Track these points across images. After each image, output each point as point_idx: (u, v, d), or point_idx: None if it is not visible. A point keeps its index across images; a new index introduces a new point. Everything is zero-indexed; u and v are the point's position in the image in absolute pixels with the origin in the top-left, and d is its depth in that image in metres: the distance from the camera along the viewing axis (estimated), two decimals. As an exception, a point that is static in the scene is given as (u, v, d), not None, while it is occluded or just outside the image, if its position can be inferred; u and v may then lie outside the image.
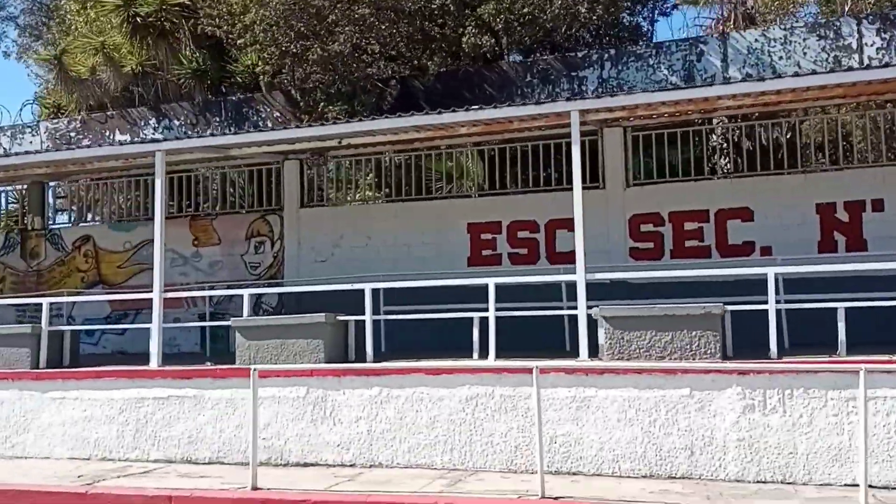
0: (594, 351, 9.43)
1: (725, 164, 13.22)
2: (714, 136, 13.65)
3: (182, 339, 15.60)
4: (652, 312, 8.86)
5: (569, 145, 13.45)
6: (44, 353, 11.46)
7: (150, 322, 14.68)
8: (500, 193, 14.05)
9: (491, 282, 10.07)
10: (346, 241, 14.65)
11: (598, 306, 9.56)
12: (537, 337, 10.95)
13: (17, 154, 12.99)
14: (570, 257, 13.09)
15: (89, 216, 17.58)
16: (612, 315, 8.99)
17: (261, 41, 14.04)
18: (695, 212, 12.55)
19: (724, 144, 13.27)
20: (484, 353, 10.02)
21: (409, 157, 14.85)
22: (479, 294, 11.20)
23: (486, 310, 10.31)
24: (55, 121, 17.97)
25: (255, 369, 8.33)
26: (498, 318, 10.32)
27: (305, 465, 9.71)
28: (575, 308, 10.09)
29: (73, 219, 18.01)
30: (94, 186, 17.31)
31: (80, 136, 17.17)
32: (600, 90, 13.06)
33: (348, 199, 15.49)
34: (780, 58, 12.43)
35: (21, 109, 21.14)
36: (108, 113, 17.24)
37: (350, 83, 13.47)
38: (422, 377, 9.42)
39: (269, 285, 15.08)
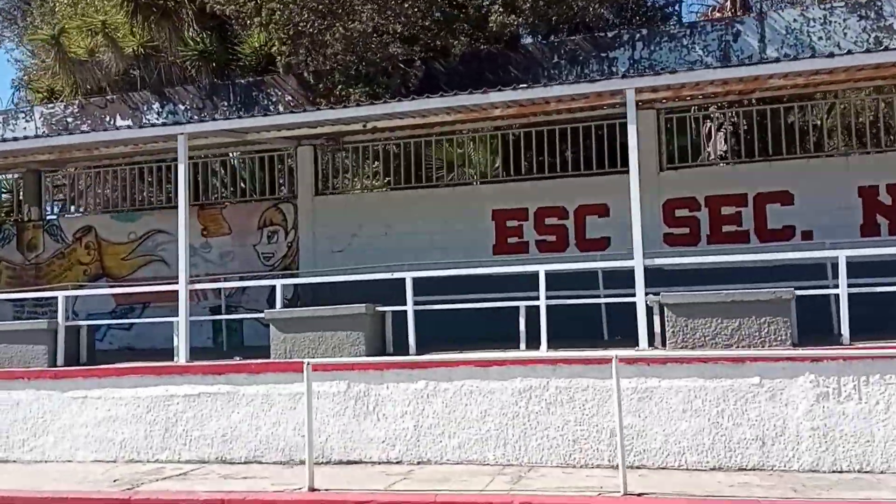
0: (649, 340, 9.31)
1: (750, 148, 13.11)
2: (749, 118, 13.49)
3: (192, 334, 15.24)
4: (718, 298, 8.73)
5: (598, 128, 13.45)
6: (61, 349, 11.19)
7: (159, 316, 14.62)
8: (527, 179, 13.87)
9: (542, 269, 9.92)
10: (365, 229, 14.42)
11: (651, 293, 9.44)
12: (570, 326, 10.82)
13: (25, 138, 12.63)
14: (600, 244, 13.09)
15: (90, 206, 17.19)
16: (676, 302, 8.86)
17: (276, 20, 13.77)
18: (732, 196, 12.42)
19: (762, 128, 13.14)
20: (532, 344, 9.86)
21: (430, 141, 14.68)
22: (508, 283, 11.14)
23: (525, 299, 10.19)
24: (50, 105, 17.59)
25: (308, 363, 8.12)
26: (528, 308, 10.20)
27: (349, 462, 9.54)
28: (622, 296, 10.01)
29: (71, 209, 17.69)
30: (94, 175, 16.92)
31: (79, 122, 16.82)
32: (631, 71, 12.92)
33: (366, 186, 15.24)
34: (820, 38, 12.34)
35: (14, 93, 20.56)
36: (108, 97, 16.92)
37: (372, 64, 13.22)
38: (471, 369, 9.26)
39: (284, 276, 14.79)
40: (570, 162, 13.69)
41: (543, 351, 9.46)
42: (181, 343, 10.88)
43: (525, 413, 9.01)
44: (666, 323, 8.88)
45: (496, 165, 14.82)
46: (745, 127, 13.24)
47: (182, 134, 11.21)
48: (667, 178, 12.79)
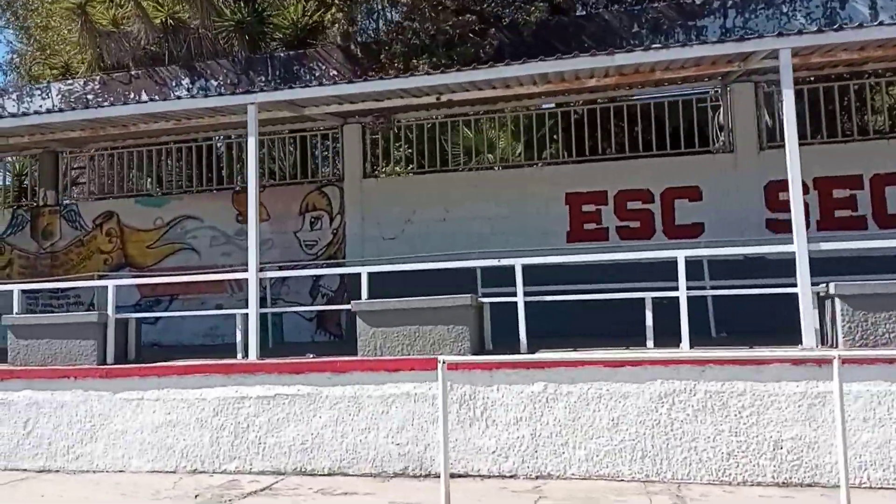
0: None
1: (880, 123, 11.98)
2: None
3: (227, 329, 13.98)
4: (904, 289, 7.55)
5: (686, 103, 12.27)
6: (111, 345, 9.86)
7: (188, 310, 13.29)
8: (605, 159, 12.67)
9: (680, 255, 8.67)
10: (420, 215, 13.18)
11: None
12: (661, 321, 9.69)
13: (74, 109, 11.19)
14: (692, 231, 11.94)
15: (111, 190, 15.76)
16: (853, 293, 7.66)
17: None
18: (845, 177, 11.29)
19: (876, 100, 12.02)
20: (663, 340, 8.66)
21: (492, 119, 13.48)
22: (578, 273, 10.24)
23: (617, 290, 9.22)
24: (69, 82, 16.18)
25: (443, 360, 6.79)
26: (603, 302, 9.24)
27: (453, 476, 8.22)
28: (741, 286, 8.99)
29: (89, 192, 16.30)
30: (117, 156, 15.51)
31: (100, 98, 15.43)
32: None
33: (421, 166, 13.88)
34: (940, 4, 11.23)
35: (30, 68, 19.07)
36: (133, 72, 15.54)
37: (442, 32, 11.92)
38: (598, 370, 8.05)
39: (329, 266, 13.47)
40: (655, 142, 12.47)
41: (686, 349, 8.24)
42: (251, 338, 9.58)
43: (667, 421, 7.82)
44: (840, 318, 7.68)
45: (568, 144, 13.56)
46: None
47: (252, 104, 9.88)
48: (768, 157, 11.59)
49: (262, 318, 13.19)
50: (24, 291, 14.75)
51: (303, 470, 8.80)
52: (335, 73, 14.16)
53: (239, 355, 9.88)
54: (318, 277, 13.56)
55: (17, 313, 10.28)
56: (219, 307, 13.69)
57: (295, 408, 8.90)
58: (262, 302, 13.58)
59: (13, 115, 11.55)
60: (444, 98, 10.92)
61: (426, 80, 9.87)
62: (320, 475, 8.68)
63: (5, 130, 11.80)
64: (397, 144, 14.00)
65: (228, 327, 13.86)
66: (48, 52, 19.74)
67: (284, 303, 13.75)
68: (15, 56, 25.22)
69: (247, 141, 14.74)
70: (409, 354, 8.75)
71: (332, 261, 13.64)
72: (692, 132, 12.25)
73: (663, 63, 9.52)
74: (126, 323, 10.26)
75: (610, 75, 10.06)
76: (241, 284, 14.04)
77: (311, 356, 9.45)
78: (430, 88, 10.24)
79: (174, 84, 15.13)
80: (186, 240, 14.52)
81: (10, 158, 16.77)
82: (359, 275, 11.92)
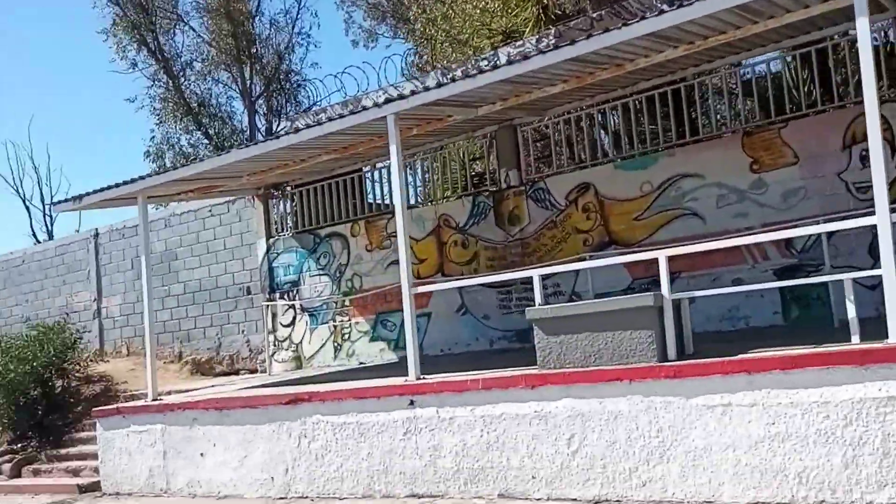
0: None
1: None
2: None
3: (750, 309, 11.41)
4: None
5: None
6: (670, 335, 7.62)
7: (697, 289, 10.78)
8: None
9: None
10: None
11: None
12: None
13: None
14: None
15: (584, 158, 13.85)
16: None
17: None
18: None
19: None
20: None
21: None
22: None
23: None
24: (518, 44, 14.68)
25: None
26: None
27: None
28: None
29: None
30: (584, 117, 13.59)
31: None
32: None
33: None
34: None
35: (471, 35, 18.14)
36: (593, 15, 13.56)
37: None
38: None
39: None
40: None
41: None
42: (891, 314, 6.74)
43: None
44: None
45: None
46: None
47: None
48: None
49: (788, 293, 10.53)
50: (488, 285, 13.46)
51: None
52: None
53: (853, 338, 7.16)
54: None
55: (539, 304, 8.40)
56: (737, 282, 11.19)
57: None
58: (785, 273, 10.98)
59: (500, 65, 9.75)
60: None
61: None
62: None
63: (480, 92, 10.19)
64: None
65: (753, 307, 11.36)
66: (456, 31, 18.84)
67: (834, 269, 10.65)
68: (415, 55, 25.07)
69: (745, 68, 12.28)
70: None
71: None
72: None
73: None
74: (678, 306, 7.95)
75: None
76: (765, 251, 11.45)
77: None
78: None
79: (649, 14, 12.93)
80: (685, 204, 12.14)
81: (462, 143, 15.64)
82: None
